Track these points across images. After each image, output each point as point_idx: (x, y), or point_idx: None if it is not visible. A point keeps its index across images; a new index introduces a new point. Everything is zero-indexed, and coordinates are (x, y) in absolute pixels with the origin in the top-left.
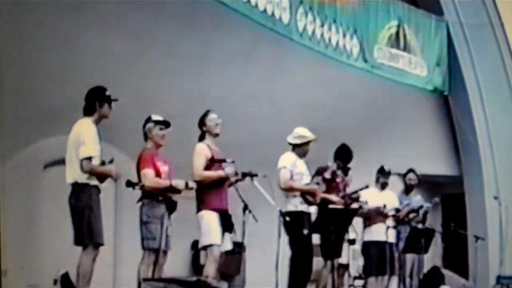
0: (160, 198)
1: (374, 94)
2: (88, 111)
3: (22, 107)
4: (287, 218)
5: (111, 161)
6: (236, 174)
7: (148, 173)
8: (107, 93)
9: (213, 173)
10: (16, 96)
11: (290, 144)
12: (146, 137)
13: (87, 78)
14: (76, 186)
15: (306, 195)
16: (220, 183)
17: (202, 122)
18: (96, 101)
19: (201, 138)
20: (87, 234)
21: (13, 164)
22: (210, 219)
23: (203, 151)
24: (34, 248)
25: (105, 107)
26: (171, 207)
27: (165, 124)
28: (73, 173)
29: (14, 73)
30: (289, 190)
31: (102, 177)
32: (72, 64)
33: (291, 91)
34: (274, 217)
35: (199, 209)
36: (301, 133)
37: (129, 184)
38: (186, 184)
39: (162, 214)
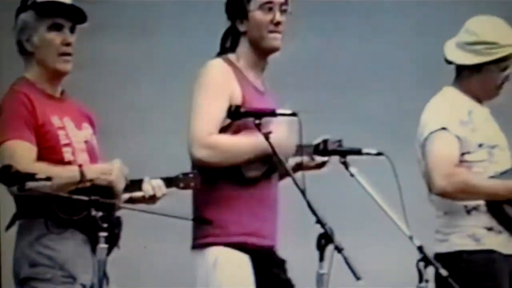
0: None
1: None
2: None
3: None
4: (444, 272)
5: None
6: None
7: (18, 149)
8: None
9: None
10: None
11: (459, 66)
12: (23, 51)
13: None
14: None
15: (504, 206)
16: (266, 173)
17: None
18: None
19: (230, 48)
20: None
21: None
22: (232, 270)
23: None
24: None
25: None
26: (111, 240)
27: (71, 13)
28: None
29: None
30: (456, 194)
31: None
32: None
33: None
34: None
35: (199, 242)
36: (486, 35)
37: None
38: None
39: (70, 256)
